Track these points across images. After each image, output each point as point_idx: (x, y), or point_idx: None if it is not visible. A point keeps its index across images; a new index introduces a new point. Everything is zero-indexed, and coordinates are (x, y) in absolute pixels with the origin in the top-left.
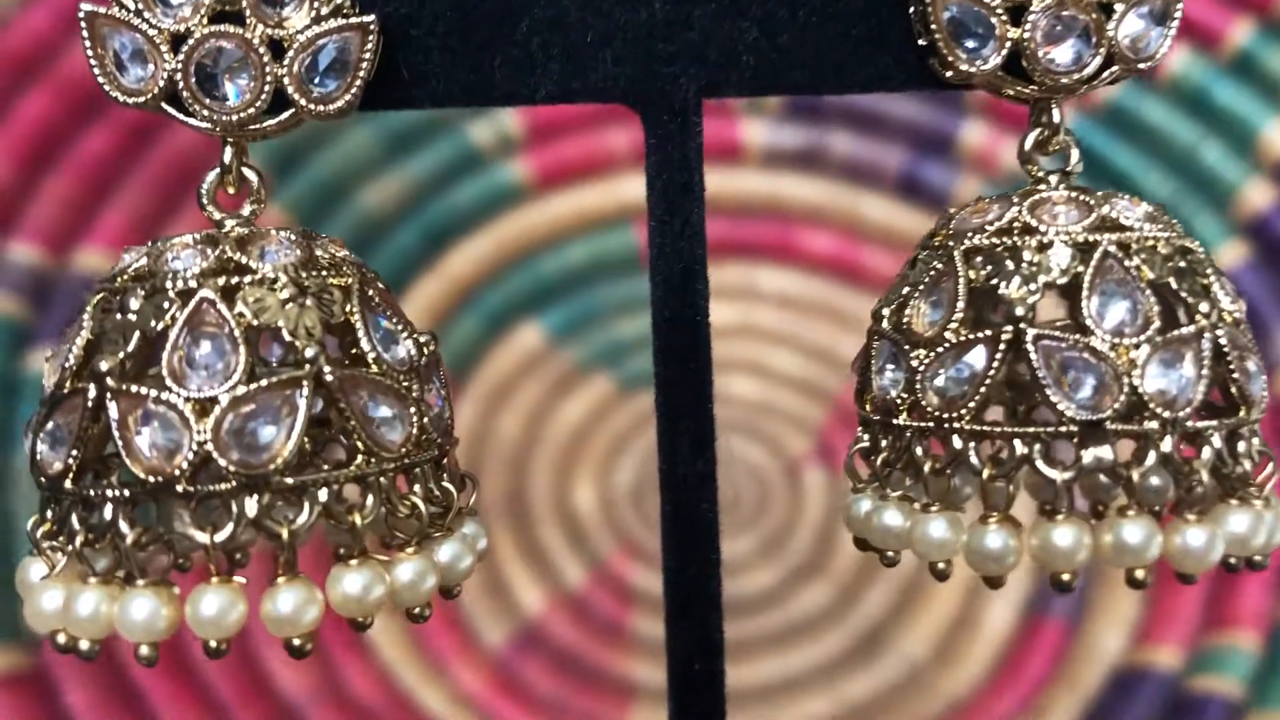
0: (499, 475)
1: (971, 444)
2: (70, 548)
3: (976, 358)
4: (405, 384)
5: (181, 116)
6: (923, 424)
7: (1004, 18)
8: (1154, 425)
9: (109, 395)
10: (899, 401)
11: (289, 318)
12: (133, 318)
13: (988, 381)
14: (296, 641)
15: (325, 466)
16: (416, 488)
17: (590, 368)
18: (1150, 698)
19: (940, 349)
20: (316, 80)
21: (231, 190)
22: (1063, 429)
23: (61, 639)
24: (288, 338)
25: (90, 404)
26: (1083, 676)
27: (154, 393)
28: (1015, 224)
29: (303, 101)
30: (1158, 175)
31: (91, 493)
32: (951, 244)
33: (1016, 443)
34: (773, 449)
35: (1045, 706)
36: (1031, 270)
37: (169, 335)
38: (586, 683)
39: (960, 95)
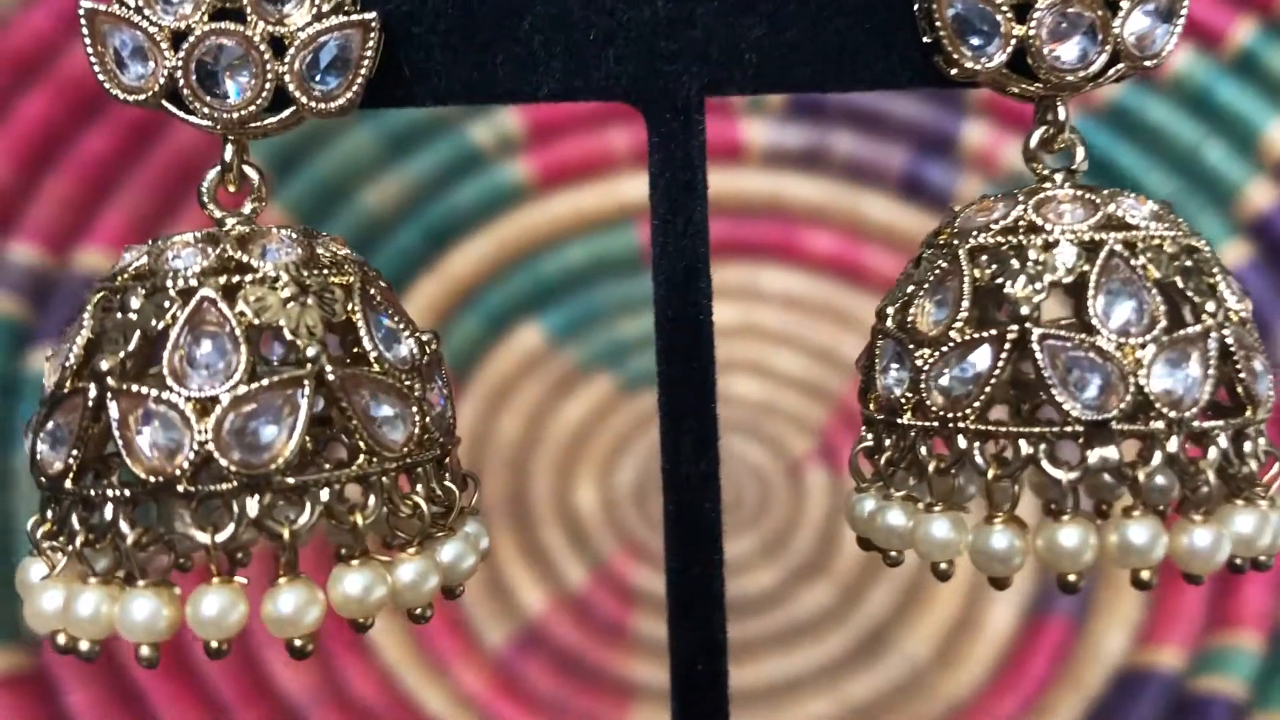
0: (500, 476)
1: (976, 444)
2: (70, 548)
3: (981, 357)
4: (407, 383)
5: (182, 114)
6: (927, 423)
7: (1009, 15)
8: (1160, 425)
9: (109, 395)
10: (903, 401)
11: (290, 316)
12: (133, 317)
13: (993, 381)
14: (298, 642)
15: (327, 466)
16: (418, 487)
17: (591, 368)
18: (1153, 698)
19: (945, 348)
20: (318, 78)
21: (232, 188)
22: (1068, 429)
23: (61, 639)
24: (289, 337)
25: (91, 403)
26: (1085, 677)
27: (155, 392)
28: (1021, 222)
29: (304, 99)
30: (1160, 175)
31: (92, 493)
32: (956, 242)
33: (1021, 442)
34: (774, 449)
35: (1047, 707)
36: (1037, 269)
37: (170, 334)
38: (587, 683)
39: (962, 95)
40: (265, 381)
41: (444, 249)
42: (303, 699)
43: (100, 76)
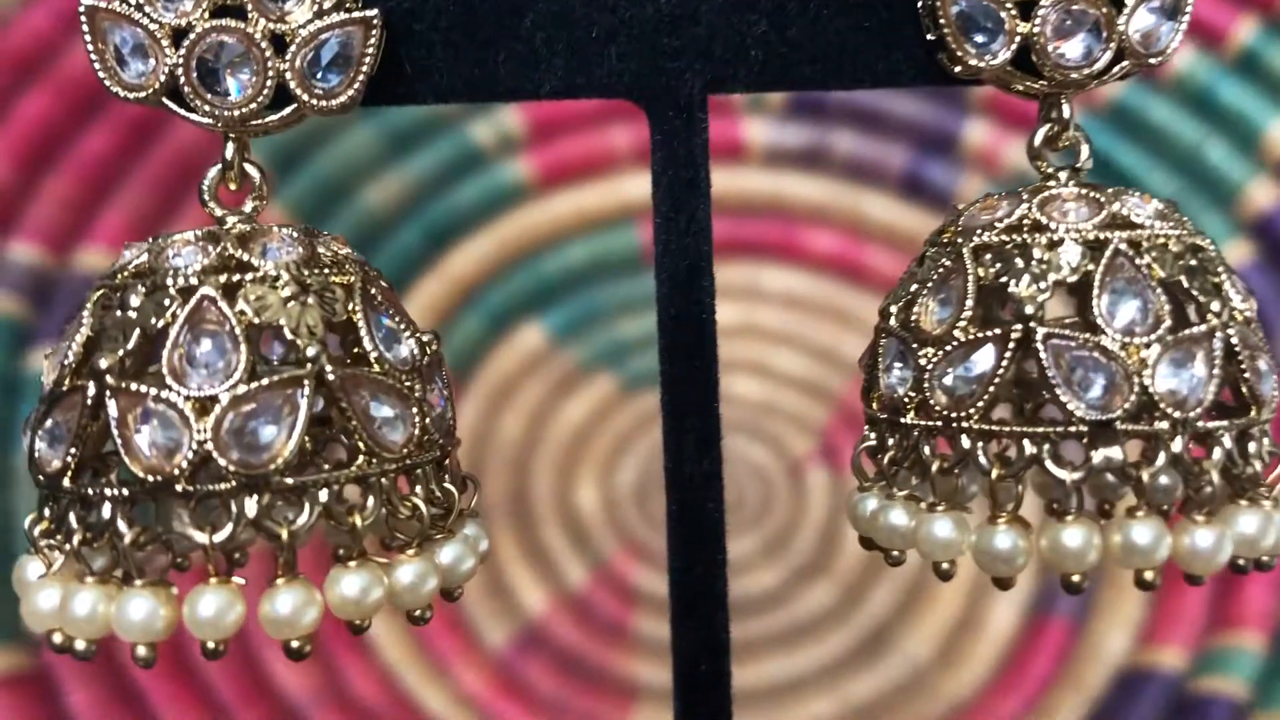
0: (501, 475)
1: (979, 443)
2: (68, 546)
3: (985, 356)
4: (407, 384)
5: (183, 112)
6: (930, 423)
7: (1013, 12)
8: (1164, 425)
9: (108, 393)
10: (906, 400)
11: (290, 316)
12: (133, 315)
13: (996, 381)
14: (295, 643)
15: (326, 467)
16: (418, 489)
17: (592, 367)
18: (1155, 699)
19: (949, 347)
20: (319, 75)
21: (233, 186)
22: (1072, 429)
23: (58, 638)
24: (289, 336)
25: (89, 402)
26: (1087, 677)
27: (154, 391)
28: (1025, 221)
29: (305, 97)
30: (1161, 174)
31: (90, 491)
32: (960, 241)
33: (1025, 442)
34: (776, 449)
35: (1049, 707)
36: (1041, 268)
37: (169, 333)
38: (588, 683)
39: (963, 94)
40: (265, 381)
41: (445, 248)
42: (303, 699)
43: (101, 74)
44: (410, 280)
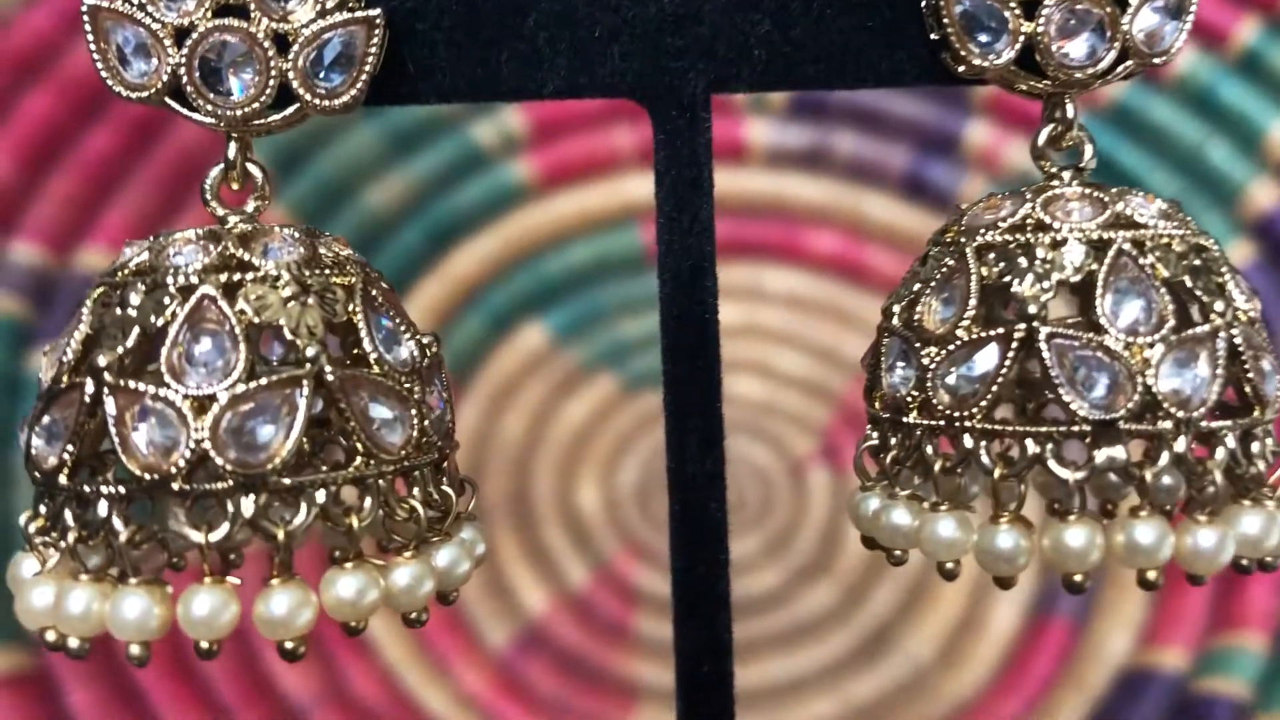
0: (502, 476)
1: (982, 443)
2: (63, 544)
3: (988, 356)
4: (407, 385)
5: (185, 111)
6: (933, 422)
7: (1017, 12)
8: (1167, 425)
9: (106, 391)
10: (909, 399)
11: (291, 316)
12: (133, 313)
13: (999, 380)
14: (289, 645)
15: (324, 468)
16: (415, 491)
17: (594, 368)
18: (1157, 699)
19: (952, 347)
20: (322, 75)
21: (235, 186)
22: (1075, 428)
23: (51, 636)
24: (289, 336)
25: (87, 399)
26: (1089, 678)
27: (152, 389)
28: (1028, 220)
29: (308, 96)
30: (1163, 175)
31: (86, 489)
32: (964, 240)
33: (1028, 442)
34: (777, 449)
35: (1051, 708)
36: (1045, 268)
37: (169, 331)
38: (590, 684)
39: (964, 94)
40: (264, 380)
41: (447, 248)
42: (304, 699)
43: (103, 73)
44: (412, 280)
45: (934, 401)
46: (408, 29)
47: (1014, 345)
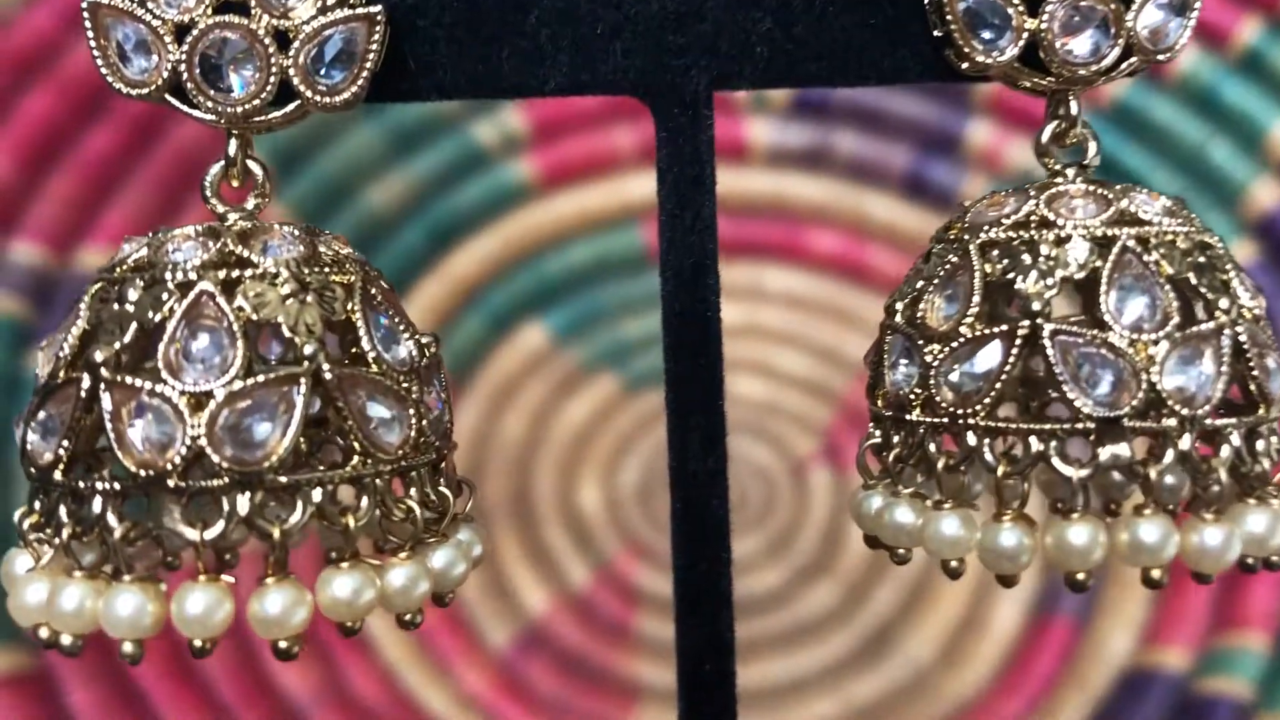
0: (503, 476)
1: (986, 440)
2: (57, 540)
3: (992, 353)
4: (405, 385)
5: (185, 108)
6: (936, 420)
7: (1021, 8)
8: (1172, 423)
9: (103, 386)
10: (912, 397)
11: (289, 314)
12: (130, 308)
13: (1003, 377)
14: (283, 644)
15: (321, 468)
16: (412, 491)
17: (595, 367)
18: (1159, 699)
19: (955, 344)
20: (322, 71)
21: (236, 183)
22: (1079, 426)
23: (44, 633)
24: (287, 334)
25: (84, 394)
26: (1090, 678)
27: (148, 385)
28: (1032, 217)
29: (308, 93)
30: (1165, 174)
31: (81, 485)
32: (967, 237)
33: (1032, 439)
34: (779, 449)
35: (1052, 708)
36: (1049, 264)
37: (166, 327)
38: (591, 684)
39: (966, 94)
40: (261, 378)
41: (448, 248)
42: (304, 699)
43: (103, 70)
44: (413, 280)
45: (937, 399)
46: (409, 25)
47: (1018, 342)
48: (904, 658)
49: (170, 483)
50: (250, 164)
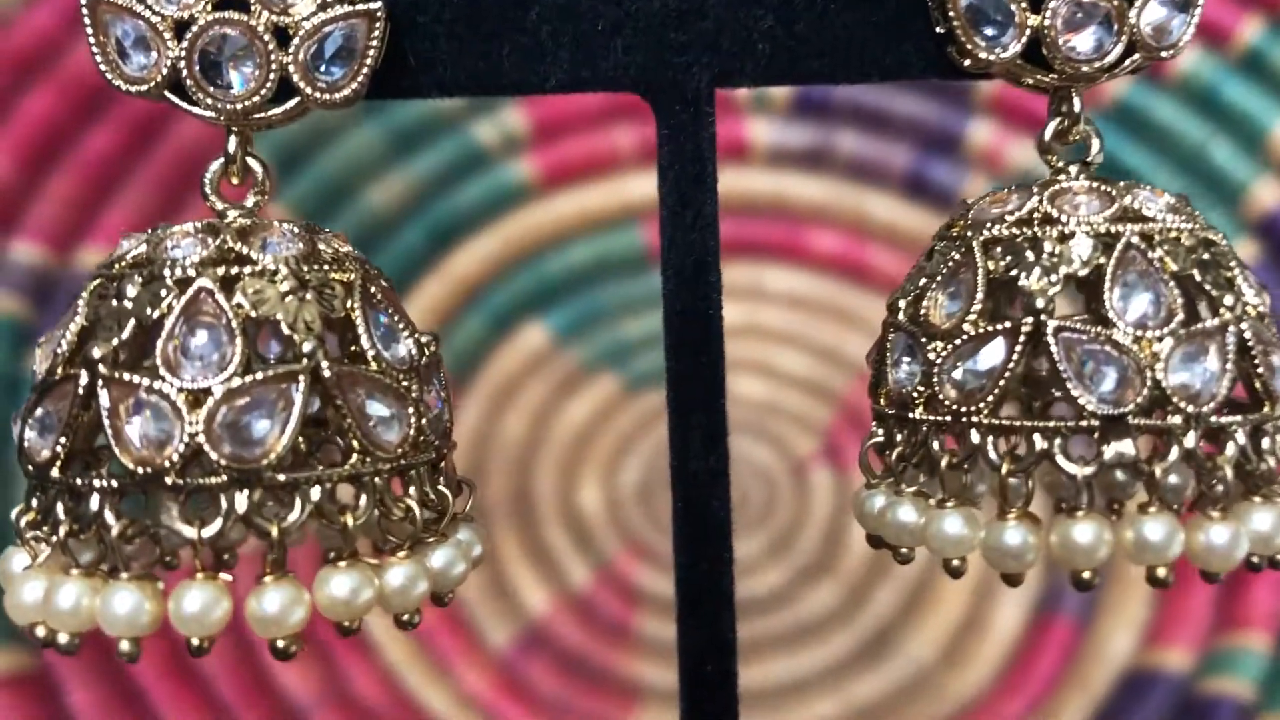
0: (504, 475)
1: (989, 439)
2: (54, 538)
3: (995, 350)
4: (405, 383)
5: (185, 105)
6: (939, 418)
7: (1024, 4)
8: (1177, 420)
9: (100, 383)
10: (915, 395)
11: (288, 311)
12: (129, 305)
13: (1007, 374)
14: (281, 643)
15: (319, 468)
16: (411, 490)
17: (595, 367)
18: (1160, 700)
19: (958, 341)
20: (322, 68)
21: (235, 181)
22: (1083, 423)
23: (41, 631)
24: (286, 331)
25: (81, 391)
26: (1092, 678)
27: (146, 382)
28: (1035, 214)
29: (308, 90)
30: (1166, 174)
31: (78, 482)
32: (970, 234)
33: (1036, 437)
34: (779, 449)
35: (1054, 708)
36: (1052, 261)
37: (165, 324)
38: (591, 684)
39: (967, 94)
40: (259, 375)
41: (448, 248)
42: (305, 699)
43: (102, 67)
44: (413, 280)
45: (940, 397)
46: (409, 22)
47: (1021, 339)
48: (905, 658)
49: (168, 480)
50: (250, 161)
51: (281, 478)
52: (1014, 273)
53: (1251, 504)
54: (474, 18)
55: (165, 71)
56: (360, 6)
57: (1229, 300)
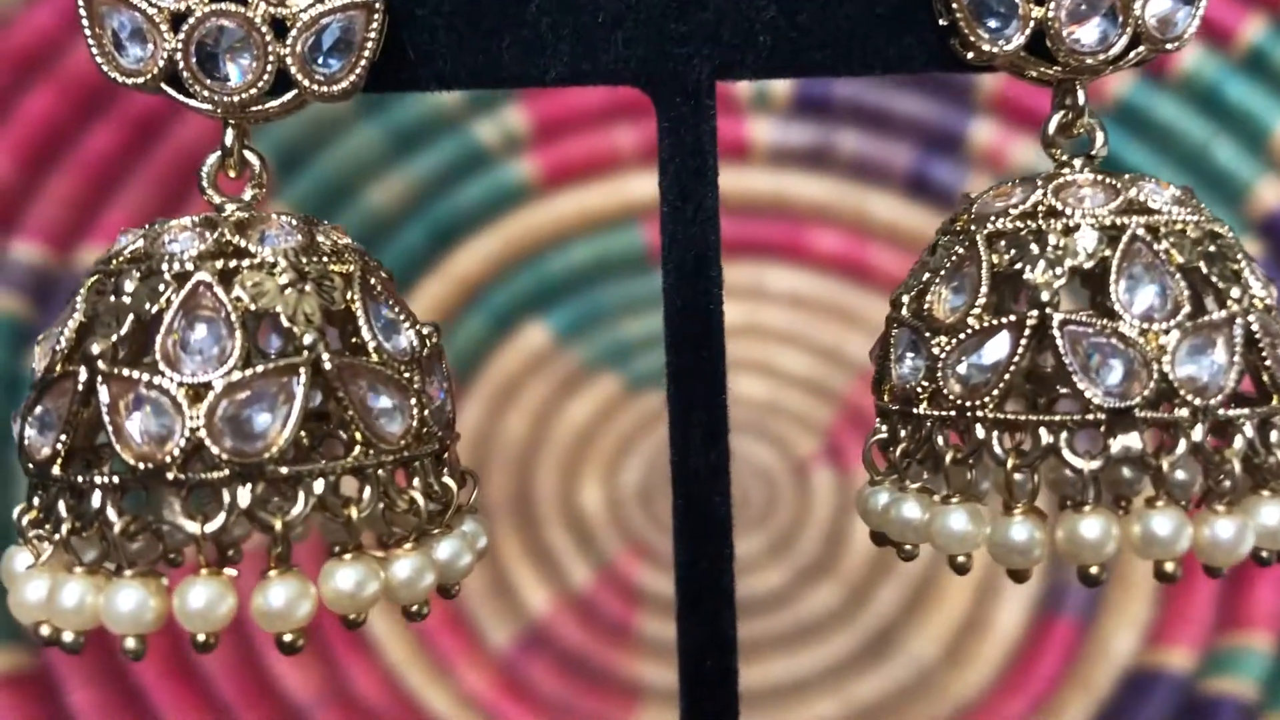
0: (505, 475)
1: (994, 433)
2: (57, 536)
3: (1000, 344)
4: (406, 375)
5: (182, 98)
6: (944, 413)
7: None
8: (1184, 413)
9: (100, 379)
10: (919, 390)
11: (288, 303)
12: (127, 300)
13: (1012, 368)
14: (288, 637)
15: (322, 462)
16: (416, 482)
17: (597, 367)
18: (1163, 699)
19: (962, 335)
20: (320, 60)
21: (233, 174)
22: (1089, 417)
23: (45, 630)
24: (286, 324)
25: (80, 387)
26: (1094, 678)
27: (146, 377)
28: (1040, 207)
29: (306, 82)
30: (1169, 173)
31: (79, 479)
32: (974, 228)
33: (1042, 431)
34: (781, 449)
35: (1056, 708)
36: (1057, 254)
37: (164, 318)
38: (592, 684)
39: (969, 92)
40: (260, 368)
41: (449, 248)
42: (306, 699)
43: (98, 59)
44: (414, 280)
45: (945, 391)
46: (408, 14)
47: (1026, 333)
48: (907, 658)
49: (169, 476)
50: (247, 154)
51: (284, 471)
52: (1018, 266)
53: (1259, 498)
54: (473, 10)
55: (162, 64)
56: None
57: (1236, 292)
